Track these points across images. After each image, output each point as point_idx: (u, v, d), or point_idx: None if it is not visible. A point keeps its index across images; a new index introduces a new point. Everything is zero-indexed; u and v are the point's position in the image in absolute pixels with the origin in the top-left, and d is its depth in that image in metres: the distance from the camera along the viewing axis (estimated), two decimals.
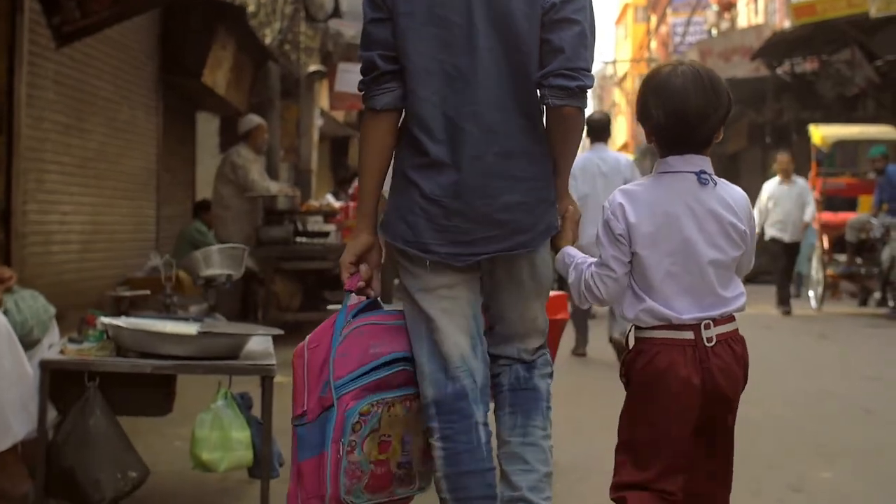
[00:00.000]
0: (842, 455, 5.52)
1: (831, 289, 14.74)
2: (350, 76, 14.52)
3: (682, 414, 2.68)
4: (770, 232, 13.58)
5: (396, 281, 3.37)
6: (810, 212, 13.49)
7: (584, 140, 9.45)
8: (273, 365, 3.85)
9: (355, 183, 6.46)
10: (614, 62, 56.41)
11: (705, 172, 2.72)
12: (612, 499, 2.78)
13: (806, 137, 22.58)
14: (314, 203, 9.28)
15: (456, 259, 2.96)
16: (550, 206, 3.03)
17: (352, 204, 6.86)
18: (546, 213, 3.01)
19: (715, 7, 35.13)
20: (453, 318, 3.00)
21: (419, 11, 2.92)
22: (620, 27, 64.10)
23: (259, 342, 4.11)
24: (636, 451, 2.74)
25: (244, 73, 13.44)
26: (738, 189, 2.83)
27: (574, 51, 2.88)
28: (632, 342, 2.78)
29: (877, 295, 13.80)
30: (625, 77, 54.50)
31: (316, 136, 15.37)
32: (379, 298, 3.18)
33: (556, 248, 3.05)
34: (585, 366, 8.66)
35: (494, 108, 2.92)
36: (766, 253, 21.51)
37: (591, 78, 2.94)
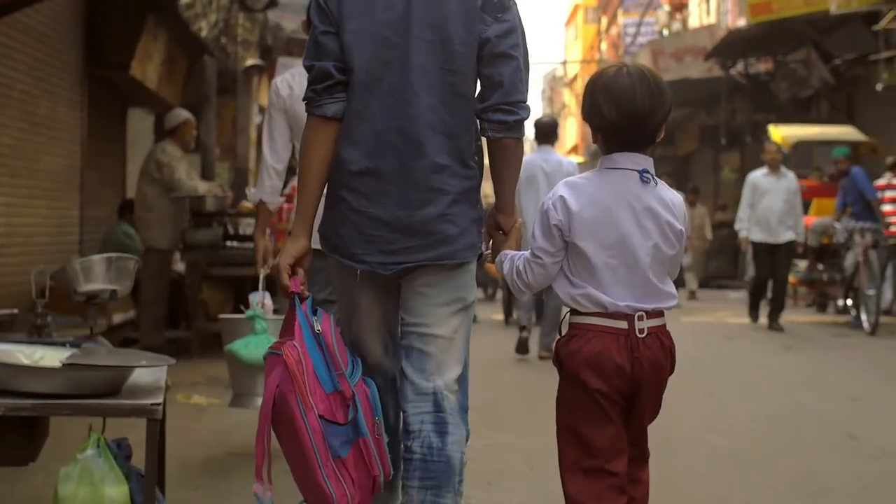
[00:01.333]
0: (825, 494, 4.88)
1: (791, 296, 14.18)
2: None
3: (612, 397, 2.81)
4: (755, 234, 12.06)
5: None
6: (801, 225, 12.01)
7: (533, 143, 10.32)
8: (158, 404, 3.12)
9: (292, 183, 5.87)
10: (564, 63, 56.10)
11: (647, 171, 2.84)
12: (563, 483, 2.88)
13: (759, 139, 22.42)
14: (247, 204, 8.56)
15: (383, 268, 3.09)
16: (475, 223, 3.15)
17: (286, 206, 6.23)
18: (470, 229, 3.14)
19: (667, 7, 34.76)
20: (369, 325, 3.22)
21: (362, 29, 3.06)
22: (570, 28, 63.80)
23: (149, 374, 3.43)
24: (577, 434, 2.84)
25: (177, 66, 12.72)
26: (675, 192, 2.97)
27: (511, 85, 3.06)
28: (565, 329, 2.92)
29: (839, 302, 13.35)
30: (575, 78, 54.21)
31: (254, 133, 14.68)
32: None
33: (496, 245, 3.17)
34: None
35: (424, 125, 3.05)
36: (723, 254, 21.40)
37: (528, 109, 3.12)
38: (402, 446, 3.14)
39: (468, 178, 3.13)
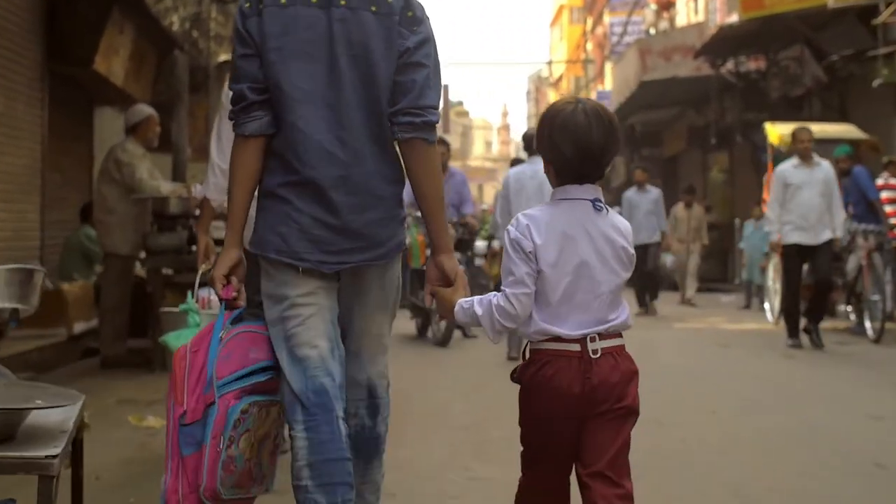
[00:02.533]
0: None
1: None
2: None
3: (563, 418, 2.92)
4: (791, 236, 10.41)
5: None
6: (840, 219, 10.51)
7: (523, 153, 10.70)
8: (55, 456, 2.51)
9: None
10: (550, 63, 55.60)
11: (599, 200, 2.98)
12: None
13: (750, 139, 21.90)
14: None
15: (324, 266, 3.26)
16: (400, 224, 3.40)
17: None
18: (397, 230, 3.38)
19: (654, 6, 34.27)
20: (313, 323, 3.26)
21: (287, 47, 3.23)
22: (556, 28, 63.35)
23: (58, 413, 2.83)
24: (529, 447, 3.04)
25: (146, 62, 12.12)
26: (623, 218, 3.11)
27: (421, 91, 3.25)
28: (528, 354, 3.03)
29: (841, 308, 12.78)
30: (560, 79, 53.74)
31: None
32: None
33: (450, 304, 3.14)
34: None
35: (356, 135, 3.25)
36: (712, 257, 20.83)
37: (436, 114, 3.31)
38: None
39: (396, 183, 3.37)
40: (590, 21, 44.00)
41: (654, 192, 15.74)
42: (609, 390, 2.91)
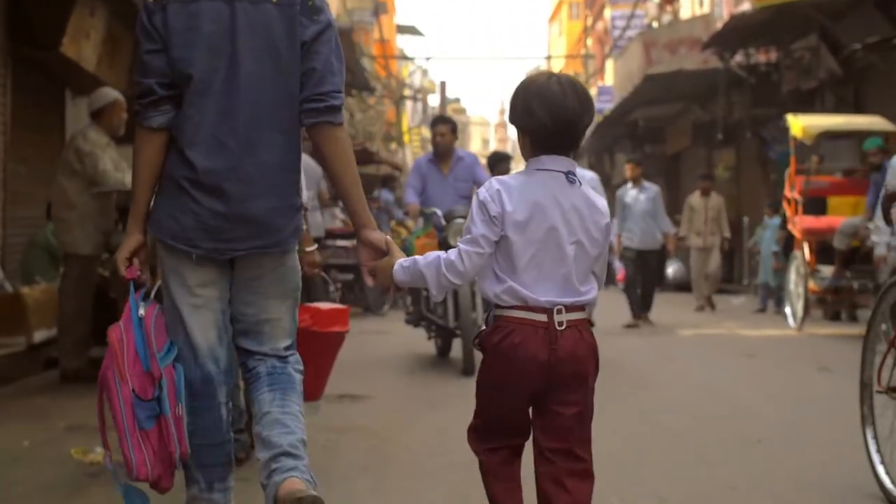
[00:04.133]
0: None
1: (815, 306, 12.64)
2: None
3: (523, 386, 3.01)
4: None
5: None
6: None
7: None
8: None
9: None
10: (548, 58, 54.79)
11: (573, 173, 3.04)
12: (471, 446, 3.17)
13: (758, 135, 21.08)
14: None
15: (218, 253, 3.42)
16: (297, 211, 3.53)
17: None
18: (294, 217, 3.52)
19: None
20: (204, 312, 3.46)
21: (191, 42, 3.35)
22: (554, 24, 62.58)
23: None
24: (488, 413, 3.11)
25: (121, 46, 11.23)
26: (600, 196, 3.13)
27: (321, 77, 3.41)
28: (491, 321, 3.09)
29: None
30: None
31: None
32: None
33: (388, 269, 3.17)
34: None
35: (253, 127, 3.39)
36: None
37: (339, 97, 3.47)
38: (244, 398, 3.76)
39: (295, 171, 3.51)
40: (589, 18, 43.23)
41: (651, 190, 13.61)
42: (575, 363, 2.99)
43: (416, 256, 3.11)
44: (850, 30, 16.27)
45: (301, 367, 3.59)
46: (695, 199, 16.42)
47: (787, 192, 13.13)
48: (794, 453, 5.58)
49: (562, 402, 3.01)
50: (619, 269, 18.42)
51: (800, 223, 12.41)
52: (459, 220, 8.51)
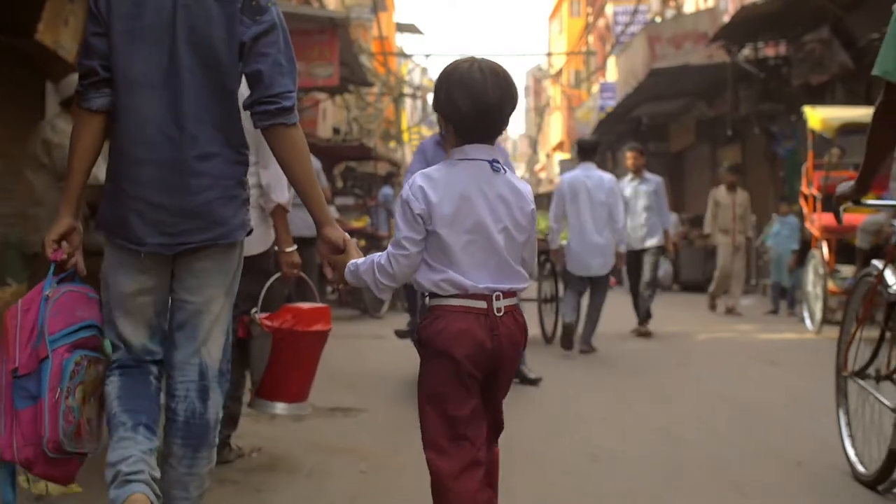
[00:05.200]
0: None
1: (834, 309, 11.99)
2: None
3: (474, 372, 3.03)
4: None
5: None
6: None
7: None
8: None
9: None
10: (549, 55, 54.25)
11: (497, 161, 3.08)
12: (427, 459, 3.08)
13: (766, 131, 20.53)
14: None
15: (166, 248, 3.39)
16: (243, 204, 3.51)
17: None
18: (240, 210, 3.49)
19: None
20: (137, 312, 3.45)
21: (130, 31, 3.36)
22: (555, 21, 62.01)
23: None
24: (442, 409, 3.04)
25: None
26: (523, 181, 3.19)
27: (270, 79, 3.39)
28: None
29: None
30: (560, 72, 52.46)
31: None
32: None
33: (343, 264, 3.26)
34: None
35: (193, 118, 3.37)
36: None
37: (291, 97, 3.41)
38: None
39: (239, 164, 3.48)
40: (591, 15, 42.70)
41: (653, 182, 12.14)
42: (514, 348, 3.08)
43: (360, 259, 3.20)
44: (865, 21, 15.72)
45: (221, 396, 3.56)
46: (720, 193, 15.15)
47: (805, 189, 12.55)
48: (840, 478, 4.98)
49: (498, 385, 3.12)
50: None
51: (819, 221, 11.82)
52: None
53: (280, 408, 4.95)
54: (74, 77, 7.65)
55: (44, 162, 7.00)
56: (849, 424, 5.11)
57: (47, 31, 9.23)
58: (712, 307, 15.43)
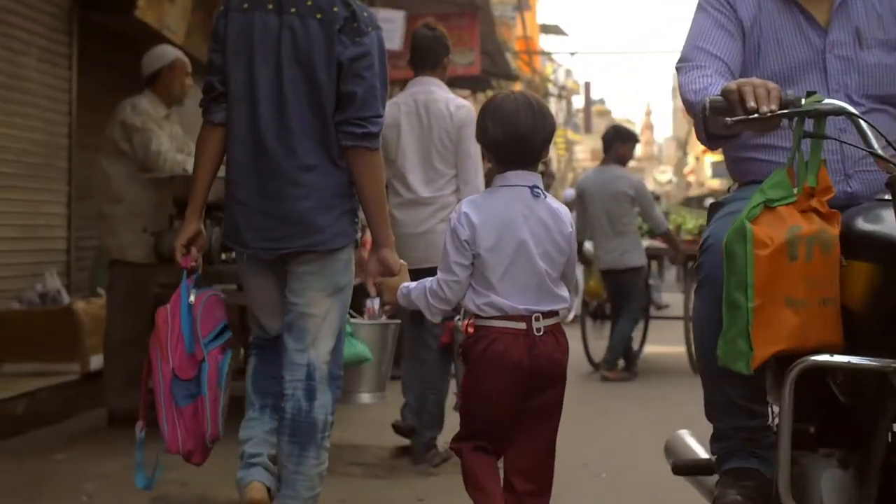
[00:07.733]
0: None
1: None
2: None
3: (511, 389, 3.15)
4: None
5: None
6: None
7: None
8: None
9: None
10: None
11: (537, 187, 3.22)
12: (451, 448, 3.31)
13: None
14: None
15: (265, 252, 3.70)
16: (344, 214, 3.72)
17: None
18: (340, 219, 3.71)
19: None
20: (268, 304, 3.78)
21: (241, 48, 3.66)
22: None
23: None
24: (472, 416, 3.21)
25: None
26: (562, 205, 3.32)
27: (362, 102, 3.63)
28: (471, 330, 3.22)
29: None
30: None
31: None
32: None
33: (395, 287, 3.41)
34: None
35: (294, 131, 3.64)
36: None
37: (378, 122, 3.68)
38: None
39: (338, 176, 3.70)
40: None
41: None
42: (554, 366, 3.18)
43: (412, 283, 3.33)
44: None
45: (330, 397, 3.69)
46: None
47: None
48: None
49: (540, 406, 3.18)
50: None
51: None
52: None
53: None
54: (159, 50, 6.50)
55: (123, 149, 5.93)
56: None
57: (149, 9, 8.26)
58: None
